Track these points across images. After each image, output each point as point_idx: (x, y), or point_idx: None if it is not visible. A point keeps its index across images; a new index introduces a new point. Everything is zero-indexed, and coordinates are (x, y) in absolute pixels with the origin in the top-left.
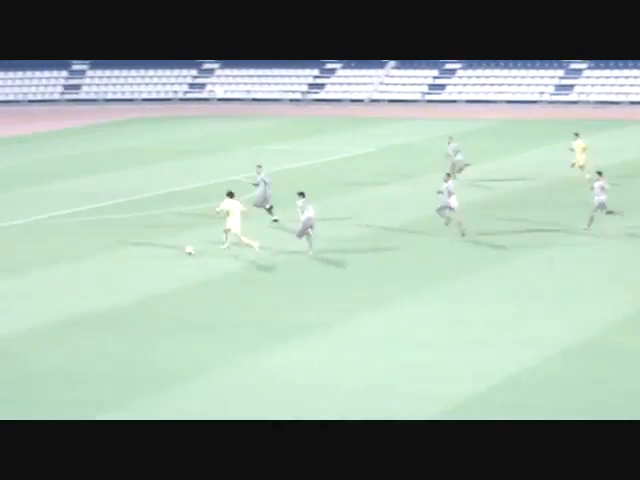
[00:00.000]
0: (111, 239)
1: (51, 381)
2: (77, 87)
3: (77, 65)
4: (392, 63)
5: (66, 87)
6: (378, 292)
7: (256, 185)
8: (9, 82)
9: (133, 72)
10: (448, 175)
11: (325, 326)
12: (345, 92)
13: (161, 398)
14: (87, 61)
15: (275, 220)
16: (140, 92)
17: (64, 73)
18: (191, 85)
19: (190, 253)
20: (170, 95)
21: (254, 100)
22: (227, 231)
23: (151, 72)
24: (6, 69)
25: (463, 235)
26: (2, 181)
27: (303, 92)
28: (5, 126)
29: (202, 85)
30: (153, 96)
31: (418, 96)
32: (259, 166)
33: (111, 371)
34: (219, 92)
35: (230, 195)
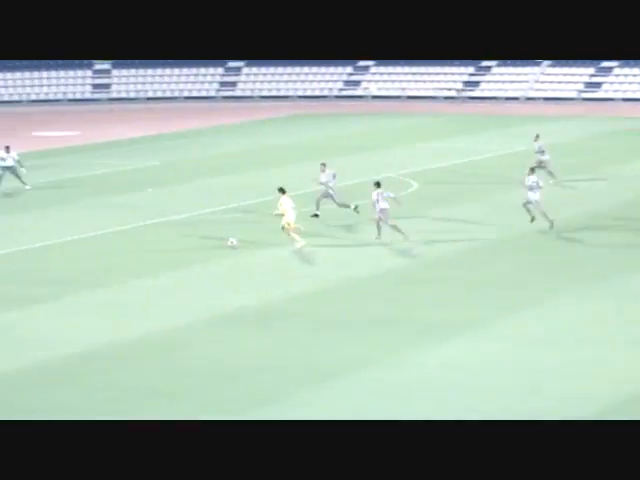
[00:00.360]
0: (267, 236)
1: (208, 376)
2: (233, 84)
3: (233, 63)
4: (548, 61)
5: (222, 84)
6: (528, 290)
7: (322, 184)
8: (166, 79)
9: (289, 69)
10: (532, 170)
11: (477, 324)
12: (500, 90)
13: (314, 396)
14: (243, 60)
15: (316, 215)
16: (295, 89)
17: (220, 70)
18: (346, 82)
19: (232, 244)
20: (325, 92)
21: (409, 97)
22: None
23: (306, 69)
24: (164, 66)
25: (551, 227)
26: (163, 176)
27: (458, 90)
28: (163, 122)
29: (357, 82)
30: (308, 93)
31: (574, 94)
32: (323, 164)
33: (262, 368)
34: (374, 89)
35: (282, 191)
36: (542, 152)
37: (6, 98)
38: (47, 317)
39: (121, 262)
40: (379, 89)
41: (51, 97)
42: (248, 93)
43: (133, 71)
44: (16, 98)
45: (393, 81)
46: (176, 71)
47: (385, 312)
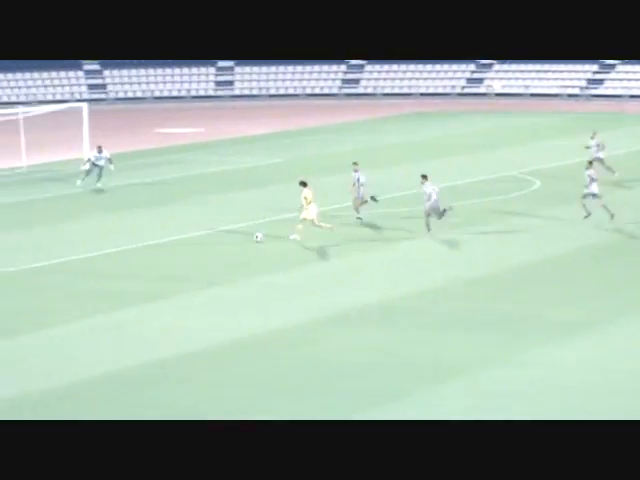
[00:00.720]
0: (390, 233)
1: (330, 373)
2: (355, 82)
3: (355, 61)
4: None
5: (344, 82)
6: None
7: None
8: (289, 76)
9: (411, 67)
10: (590, 163)
11: (599, 323)
12: (625, 88)
13: (436, 394)
14: (365, 59)
15: (359, 218)
16: (418, 87)
17: (343, 68)
18: (469, 80)
19: (258, 239)
20: (448, 90)
21: (532, 95)
22: (303, 221)
23: (429, 67)
24: (286, 64)
25: (612, 218)
26: (285, 173)
27: (582, 87)
28: (285, 119)
29: (480, 80)
30: (430, 91)
31: None
32: (355, 163)
33: (385, 366)
34: (497, 87)
35: (304, 184)
36: (599, 148)
37: (130, 95)
38: (171, 313)
39: (243, 258)
40: (502, 87)
41: (174, 94)
42: (370, 91)
43: (256, 69)
44: (140, 95)
45: (517, 79)
46: (298, 68)
47: (511, 310)
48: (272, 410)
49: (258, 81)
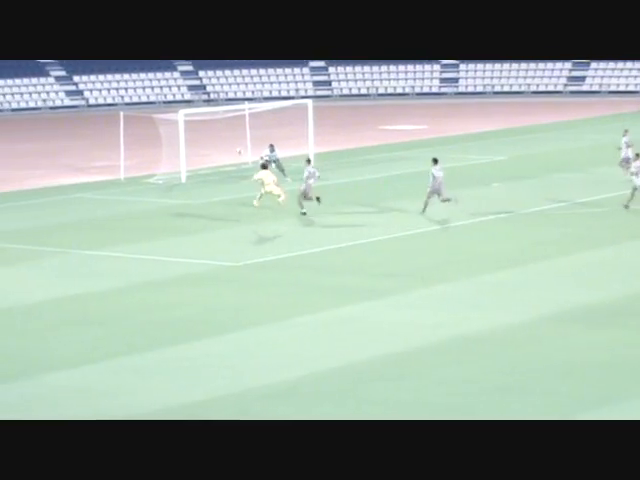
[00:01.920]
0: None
1: (554, 373)
2: (581, 79)
3: (580, 59)
4: None
5: (570, 79)
6: None
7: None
8: (513, 73)
9: (637, 64)
10: (638, 155)
11: None
12: None
13: None
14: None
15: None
16: None
17: (568, 65)
18: None
19: (240, 153)
20: None
21: None
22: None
23: None
24: (511, 62)
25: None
26: (510, 170)
27: None
28: (510, 117)
29: None
30: None
31: None
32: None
33: (611, 366)
34: None
35: (264, 167)
36: (629, 146)
37: (354, 92)
38: (395, 309)
39: (463, 256)
40: None
41: (399, 91)
42: (596, 88)
43: (480, 66)
44: (364, 92)
45: None
46: (523, 66)
47: None
48: (492, 409)
49: (482, 78)
